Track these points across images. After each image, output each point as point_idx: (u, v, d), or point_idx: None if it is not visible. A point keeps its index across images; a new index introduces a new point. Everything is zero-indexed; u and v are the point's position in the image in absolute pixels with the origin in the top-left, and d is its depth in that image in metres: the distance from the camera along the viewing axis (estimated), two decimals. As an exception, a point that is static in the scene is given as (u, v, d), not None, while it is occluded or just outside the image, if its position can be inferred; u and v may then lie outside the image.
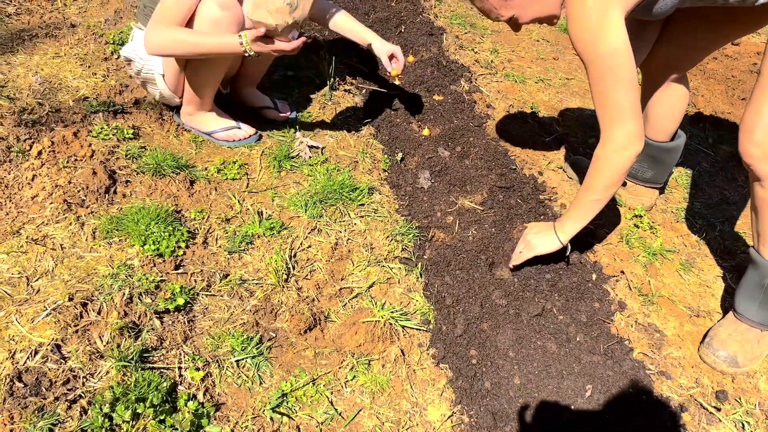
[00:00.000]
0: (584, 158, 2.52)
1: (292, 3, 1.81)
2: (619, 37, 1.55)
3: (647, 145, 2.22)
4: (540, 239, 1.87)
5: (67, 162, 2.04)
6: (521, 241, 1.91)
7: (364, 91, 2.87)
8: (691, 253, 2.24)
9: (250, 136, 2.40)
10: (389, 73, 2.38)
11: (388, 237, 2.07)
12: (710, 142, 2.93)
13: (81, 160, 2.07)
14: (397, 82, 2.57)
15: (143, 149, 2.21)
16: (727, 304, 2.03)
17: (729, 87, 3.44)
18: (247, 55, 1.95)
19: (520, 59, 3.45)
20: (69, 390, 1.41)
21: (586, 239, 2.16)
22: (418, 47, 3.22)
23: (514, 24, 1.79)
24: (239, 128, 2.39)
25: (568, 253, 1.95)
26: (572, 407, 1.60)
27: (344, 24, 2.42)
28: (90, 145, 2.13)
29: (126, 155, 2.15)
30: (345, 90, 2.87)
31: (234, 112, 2.48)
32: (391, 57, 2.36)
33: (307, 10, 1.87)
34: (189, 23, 2.02)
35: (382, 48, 2.35)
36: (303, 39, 1.94)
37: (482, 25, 3.77)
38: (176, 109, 2.43)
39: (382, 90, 2.83)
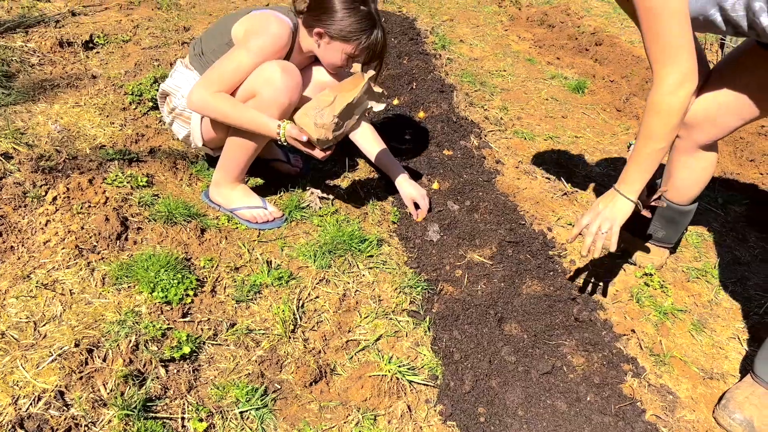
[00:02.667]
0: None
1: (339, 123, 1.92)
2: None
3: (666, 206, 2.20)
4: (615, 209, 1.75)
5: (81, 208, 2.07)
6: (595, 218, 1.77)
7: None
8: (702, 313, 2.21)
9: (276, 219, 2.29)
10: (413, 217, 2.44)
11: (396, 289, 2.06)
12: (720, 202, 2.93)
13: (95, 207, 2.10)
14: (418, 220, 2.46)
15: (156, 197, 2.24)
16: (742, 367, 2.00)
17: (737, 148, 3.47)
18: (278, 143, 2.05)
19: (529, 117, 3.51)
20: (69, 439, 1.39)
21: (596, 297, 2.15)
22: (429, 103, 3.29)
23: None
24: (265, 209, 2.29)
25: (642, 210, 1.84)
26: (583, 470, 1.55)
27: (370, 146, 2.54)
28: (104, 191, 2.16)
29: (139, 203, 2.18)
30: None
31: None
32: (416, 204, 2.44)
33: (348, 131, 1.99)
34: None
35: (407, 193, 2.43)
36: (330, 152, 2.05)
37: (492, 83, 3.86)
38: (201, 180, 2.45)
39: (392, 144, 2.88)
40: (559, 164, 3.05)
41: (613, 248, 1.78)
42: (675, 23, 1.53)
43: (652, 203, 2.01)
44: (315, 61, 2.29)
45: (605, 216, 1.77)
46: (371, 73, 1.97)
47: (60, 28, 3.40)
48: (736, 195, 3.00)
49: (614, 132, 3.49)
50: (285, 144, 2.04)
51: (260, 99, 2.03)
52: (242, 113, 2.02)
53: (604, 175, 3.00)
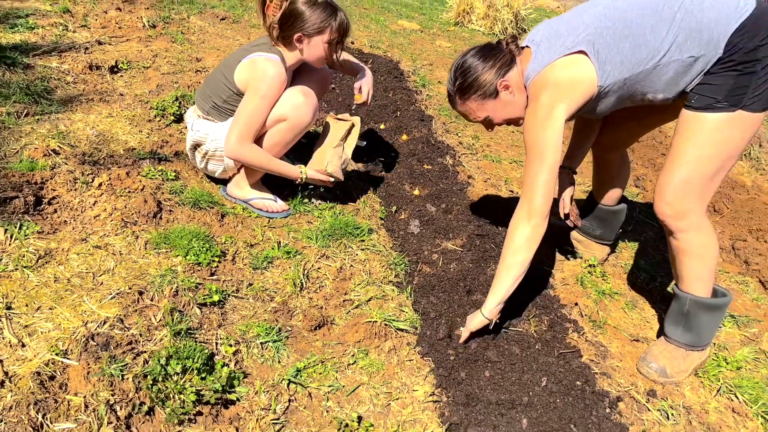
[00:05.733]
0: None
1: (346, 161, 2.78)
2: (556, 131, 1.95)
3: (596, 208, 2.72)
4: (471, 319, 2.11)
5: (122, 192, 2.48)
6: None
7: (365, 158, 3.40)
8: (635, 296, 2.68)
9: (283, 210, 2.75)
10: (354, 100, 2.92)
11: (383, 266, 2.50)
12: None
13: (134, 192, 2.51)
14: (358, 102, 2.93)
15: (184, 187, 2.67)
16: (660, 335, 2.45)
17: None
18: (298, 181, 2.75)
19: (497, 145, 4.03)
20: (132, 349, 1.78)
21: (547, 279, 2.61)
22: (411, 128, 3.79)
23: (488, 124, 2.24)
24: (275, 201, 2.75)
25: (491, 327, 2.15)
26: (530, 392, 1.97)
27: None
28: (140, 181, 2.58)
29: (170, 191, 2.60)
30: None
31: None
32: (360, 88, 2.89)
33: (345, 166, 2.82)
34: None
35: (358, 80, 2.89)
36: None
37: (466, 116, 4.39)
38: (218, 182, 2.89)
39: (380, 159, 3.36)
40: (521, 181, 3.54)
41: (460, 342, 2.12)
42: (543, 173, 1.94)
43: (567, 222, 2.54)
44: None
45: (466, 322, 2.14)
46: (358, 119, 2.81)
47: (89, 54, 3.86)
48: (671, 212, 3.52)
49: (570, 159, 4.02)
50: (301, 182, 2.75)
51: (290, 122, 2.56)
52: (271, 163, 2.62)
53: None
